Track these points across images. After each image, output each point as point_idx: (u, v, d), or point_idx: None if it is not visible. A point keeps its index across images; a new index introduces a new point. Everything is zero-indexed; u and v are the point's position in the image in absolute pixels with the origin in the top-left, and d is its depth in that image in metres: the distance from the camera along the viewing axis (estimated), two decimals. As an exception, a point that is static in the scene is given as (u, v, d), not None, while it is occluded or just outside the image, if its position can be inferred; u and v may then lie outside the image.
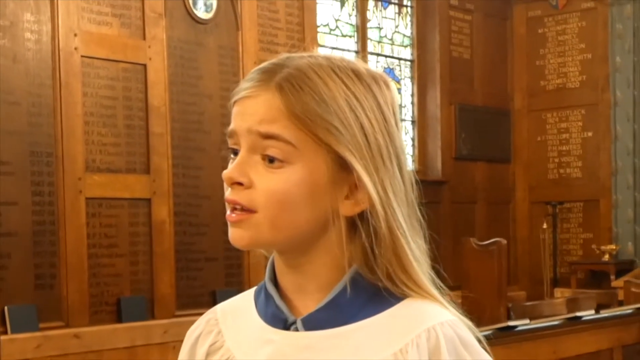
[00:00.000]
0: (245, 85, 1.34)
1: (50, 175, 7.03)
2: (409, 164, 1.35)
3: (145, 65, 7.69)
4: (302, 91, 1.30)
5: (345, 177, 1.31)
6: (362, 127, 1.31)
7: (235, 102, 1.35)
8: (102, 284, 7.35)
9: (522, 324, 4.89)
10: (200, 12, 8.14)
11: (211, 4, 8.22)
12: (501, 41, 12.05)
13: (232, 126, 1.34)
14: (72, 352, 6.77)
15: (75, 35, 7.22)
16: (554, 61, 11.93)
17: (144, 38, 7.71)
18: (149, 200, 7.68)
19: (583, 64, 11.71)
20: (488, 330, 4.66)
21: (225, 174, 1.32)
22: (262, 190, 1.30)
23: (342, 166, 1.30)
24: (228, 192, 1.32)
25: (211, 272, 8.07)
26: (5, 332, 6.45)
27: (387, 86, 1.38)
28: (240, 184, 1.31)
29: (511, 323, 4.86)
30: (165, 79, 7.82)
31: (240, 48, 8.41)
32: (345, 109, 1.30)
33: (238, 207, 1.31)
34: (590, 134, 11.64)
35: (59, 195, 7.07)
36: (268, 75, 1.32)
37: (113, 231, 7.44)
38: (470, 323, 1.37)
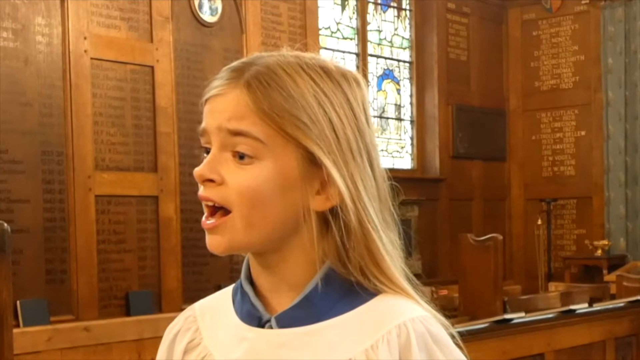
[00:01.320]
0: (215, 84, 1.32)
1: (60, 174, 7.04)
2: (381, 161, 1.33)
3: (152, 67, 7.69)
4: (270, 87, 1.27)
5: (315, 173, 1.29)
6: (330, 122, 1.28)
7: (206, 101, 1.33)
8: (111, 278, 7.35)
9: (517, 317, 4.88)
10: (206, 16, 8.14)
11: (216, 8, 8.22)
12: (497, 43, 12.04)
13: (203, 124, 1.32)
14: (82, 345, 6.78)
15: (85, 38, 7.22)
16: (548, 63, 11.93)
17: (152, 41, 7.71)
18: (156, 198, 7.68)
19: (576, 65, 11.71)
20: (485, 323, 4.66)
21: (196, 171, 1.29)
22: (233, 186, 1.27)
23: (312, 161, 1.28)
24: (201, 190, 1.30)
25: (216, 267, 8.07)
26: (18, 326, 6.45)
27: (358, 84, 1.35)
28: (211, 180, 1.29)
29: (507, 316, 4.86)
30: (172, 80, 7.83)
31: (245, 50, 8.41)
32: (313, 104, 1.28)
33: (210, 203, 1.29)
34: (583, 133, 11.64)
35: (69, 193, 7.07)
36: (237, 74, 1.30)
37: (122, 227, 7.44)
38: (443, 319, 1.34)
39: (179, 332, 1.46)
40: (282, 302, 1.33)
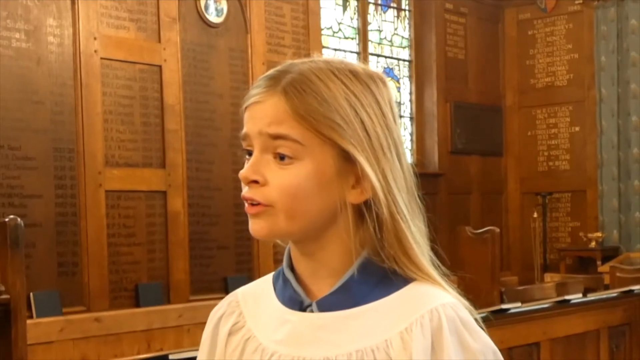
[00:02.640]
0: (254, 92, 1.37)
1: (72, 170, 7.04)
2: (407, 156, 1.42)
3: (160, 67, 7.69)
4: (305, 93, 1.33)
5: (350, 169, 1.34)
6: (362, 122, 1.34)
7: (246, 108, 1.38)
8: (121, 271, 7.35)
9: (514, 307, 4.88)
10: (212, 17, 8.13)
11: (222, 9, 8.21)
12: (493, 42, 12.03)
13: (244, 130, 1.37)
14: (93, 335, 6.78)
15: (95, 38, 7.22)
16: (543, 61, 11.91)
17: (159, 41, 7.71)
18: (164, 193, 7.68)
19: (570, 63, 11.70)
20: (482, 312, 4.63)
21: (241, 173, 1.35)
22: (276, 185, 1.33)
23: (347, 159, 1.33)
24: (245, 190, 1.35)
25: (223, 259, 8.07)
26: (31, 317, 6.45)
27: (384, 83, 1.40)
28: (255, 182, 1.34)
29: (504, 306, 4.86)
30: (179, 79, 7.82)
31: (250, 50, 8.40)
32: (345, 106, 1.33)
33: (255, 202, 1.34)
34: (577, 128, 11.63)
35: (80, 189, 7.08)
36: (274, 82, 1.35)
37: (131, 222, 7.45)
38: (469, 305, 1.40)
39: (223, 315, 1.50)
40: (322, 288, 1.38)
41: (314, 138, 1.32)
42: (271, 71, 1.38)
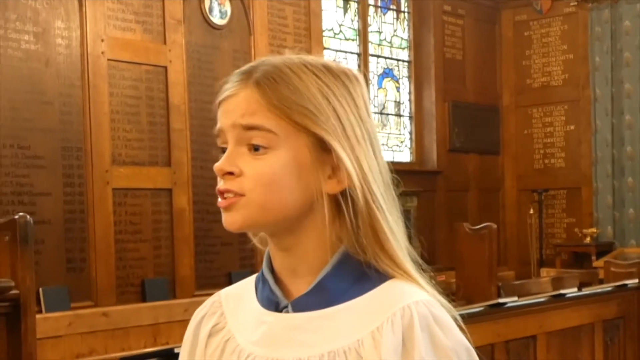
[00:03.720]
0: (227, 86, 1.35)
1: (80, 168, 7.04)
2: (383, 149, 1.37)
3: (166, 68, 7.69)
4: (277, 83, 1.30)
5: (326, 159, 1.31)
6: (335, 111, 1.31)
7: (219, 103, 1.35)
8: (128, 267, 7.36)
9: (511, 301, 4.88)
10: (216, 19, 8.14)
11: (226, 11, 8.21)
12: (490, 43, 12.03)
13: (218, 125, 1.35)
14: (101, 329, 6.78)
15: (102, 40, 7.22)
16: (539, 61, 11.91)
17: (165, 43, 7.71)
18: (170, 190, 7.68)
19: (565, 63, 11.70)
20: (480, 307, 4.65)
21: (216, 166, 1.32)
22: (251, 176, 1.29)
23: (323, 148, 1.30)
24: (220, 184, 1.33)
25: (227, 255, 8.07)
26: (40, 312, 6.46)
27: (357, 80, 1.37)
28: (231, 173, 1.31)
29: (501, 300, 4.85)
30: (184, 80, 7.83)
31: (253, 51, 8.40)
32: (317, 95, 1.31)
33: (231, 195, 1.31)
34: (572, 127, 11.63)
35: (88, 187, 7.08)
36: (246, 75, 1.33)
37: (137, 219, 7.45)
38: (446, 303, 1.35)
39: (205, 315, 1.48)
40: (300, 287, 1.35)
41: (288, 127, 1.29)
42: (244, 66, 1.36)
